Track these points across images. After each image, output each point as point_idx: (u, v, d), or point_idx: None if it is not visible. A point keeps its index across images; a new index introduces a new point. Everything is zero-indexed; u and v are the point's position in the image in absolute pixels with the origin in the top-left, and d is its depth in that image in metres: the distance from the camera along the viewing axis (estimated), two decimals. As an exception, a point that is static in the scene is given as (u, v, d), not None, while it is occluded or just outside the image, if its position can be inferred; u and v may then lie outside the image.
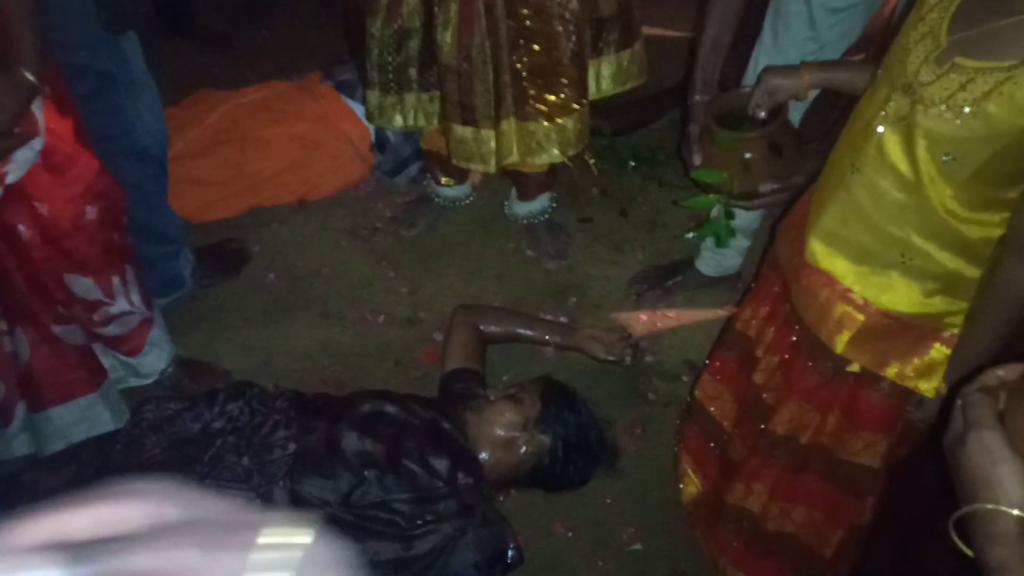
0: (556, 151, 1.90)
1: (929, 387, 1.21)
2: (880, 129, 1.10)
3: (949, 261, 1.13)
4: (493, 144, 1.88)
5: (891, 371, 1.23)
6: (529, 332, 1.99)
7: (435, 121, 1.95)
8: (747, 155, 1.41)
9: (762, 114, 1.38)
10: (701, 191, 1.51)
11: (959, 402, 0.70)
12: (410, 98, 1.91)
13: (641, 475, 1.85)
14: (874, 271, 1.19)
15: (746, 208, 1.58)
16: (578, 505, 1.78)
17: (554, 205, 2.32)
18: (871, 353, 1.24)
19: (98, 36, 1.54)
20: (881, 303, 1.20)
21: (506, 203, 2.38)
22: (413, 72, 1.86)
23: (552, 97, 1.83)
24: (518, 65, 1.79)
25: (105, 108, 1.63)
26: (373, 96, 1.92)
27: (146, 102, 1.72)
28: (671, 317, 2.18)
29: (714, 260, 2.11)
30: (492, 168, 1.93)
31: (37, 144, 1.32)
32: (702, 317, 2.14)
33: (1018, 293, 1.04)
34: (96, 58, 1.52)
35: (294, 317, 2.14)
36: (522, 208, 2.30)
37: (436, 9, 1.73)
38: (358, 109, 2.39)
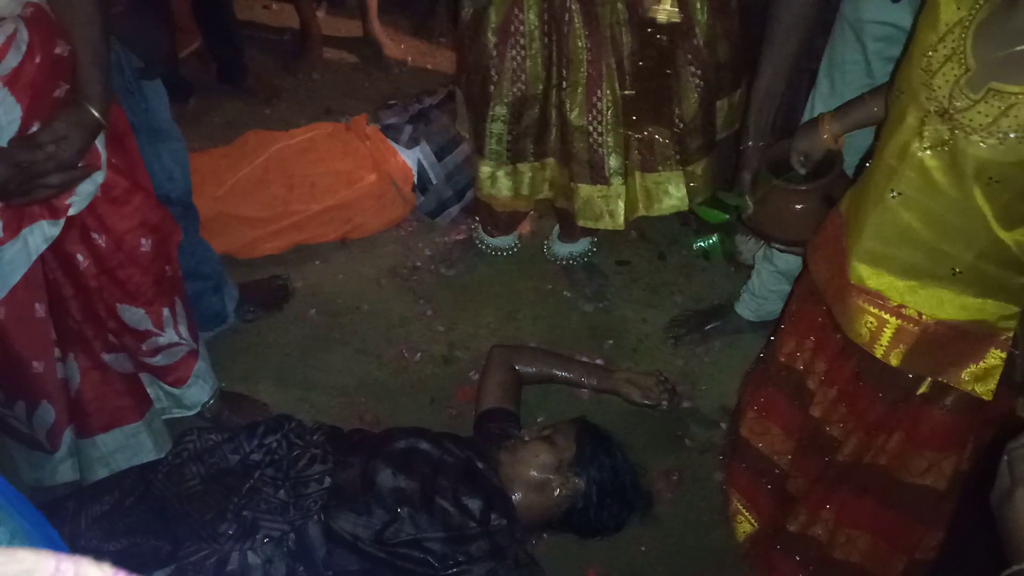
0: (684, 197, 1.87)
1: (986, 390, 1.22)
2: (920, 154, 1.11)
3: (999, 273, 1.15)
4: (623, 201, 1.86)
5: (950, 377, 1.24)
6: (565, 373, 1.99)
7: (545, 189, 1.93)
8: (798, 206, 1.43)
9: (803, 171, 1.42)
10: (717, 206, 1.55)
11: (1005, 458, 0.69)
12: (524, 168, 1.90)
13: (677, 523, 1.82)
14: (924, 285, 1.21)
15: (797, 254, 1.58)
16: (612, 552, 1.75)
17: (594, 249, 2.33)
18: (926, 362, 1.25)
19: (118, 85, 1.58)
20: (935, 315, 1.21)
21: (546, 243, 2.40)
22: (529, 143, 1.85)
23: (683, 145, 1.82)
24: (647, 117, 1.78)
25: None
26: (487, 166, 1.91)
27: (169, 149, 1.76)
28: (709, 362, 2.16)
29: (755, 304, 2.09)
30: (621, 225, 1.90)
31: (99, 178, 1.37)
32: (741, 363, 2.12)
33: None
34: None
35: (333, 353, 2.17)
36: (563, 249, 2.32)
37: (564, 72, 1.73)
38: (402, 151, 2.45)
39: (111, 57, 1.54)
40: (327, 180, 2.42)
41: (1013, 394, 1.30)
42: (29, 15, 1.22)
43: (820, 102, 1.69)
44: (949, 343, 1.23)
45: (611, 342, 2.20)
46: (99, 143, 1.35)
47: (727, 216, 1.49)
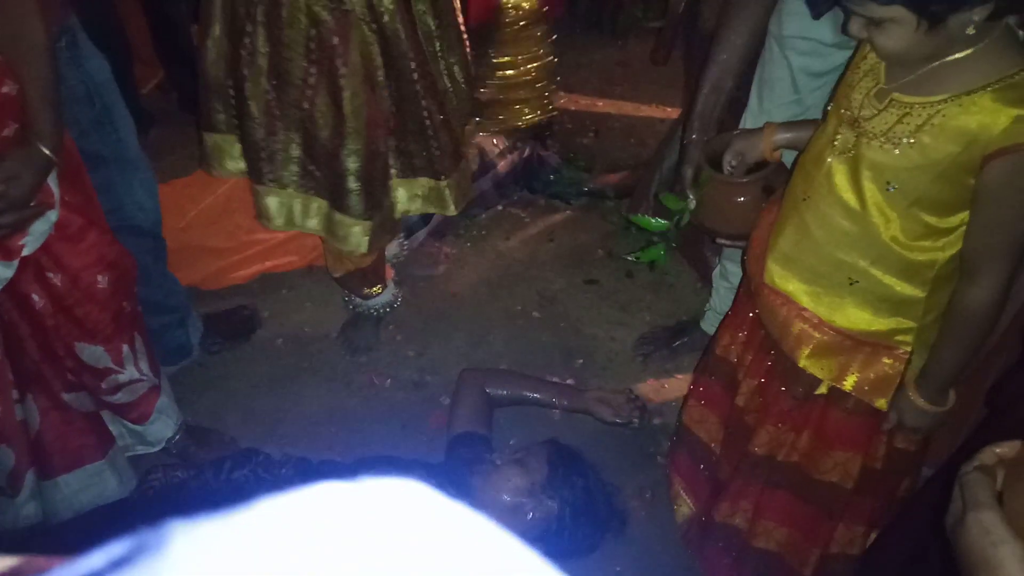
0: (452, 206, 1.86)
1: (883, 401, 1.27)
2: (829, 160, 1.18)
3: (895, 284, 1.20)
4: (361, 228, 1.79)
5: (848, 383, 1.28)
6: (536, 395, 1.99)
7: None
8: (739, 198, 1.45)
9: (737, 175, 1.45)
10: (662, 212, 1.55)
11: (958, 482, 0.69)
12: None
13: (651, 540, 1.82)
14: (826, 292, 1.26)
15: (741, 247, 1.60)
16: (587, 574, 1.74)
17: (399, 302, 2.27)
18: (829, 366, 1.30)
19: (89, 118, 1.57)
20: (834, 321, 1.27)
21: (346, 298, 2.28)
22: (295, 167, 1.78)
23: (435, 154, 1.79)
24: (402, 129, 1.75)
25: (95, 186, 1.64)
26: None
27: (139, 180, 1.75)
28: (679, 378, 2.17)
29: (718, 321, 2.08)
30: (365, 250, 1.84)
31: (52, 216, 1.35)
32: (710, 378, 2.13)
33: (969, 311, 1.15)
34: (85, 139, 1.53)
35: (301, 382, 2.14)
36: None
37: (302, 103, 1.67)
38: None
39: (80, 90, 1.53)
40: (292, 208, 2.40)
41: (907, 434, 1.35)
42: (-25, 55, 1.20)
43: (750, 118, 1.71)
44: (848, 350, 1.28)
45: (581, 361, 2.21)
46: (52, 181, 1.33)
47: (667, 224, 1.50)
